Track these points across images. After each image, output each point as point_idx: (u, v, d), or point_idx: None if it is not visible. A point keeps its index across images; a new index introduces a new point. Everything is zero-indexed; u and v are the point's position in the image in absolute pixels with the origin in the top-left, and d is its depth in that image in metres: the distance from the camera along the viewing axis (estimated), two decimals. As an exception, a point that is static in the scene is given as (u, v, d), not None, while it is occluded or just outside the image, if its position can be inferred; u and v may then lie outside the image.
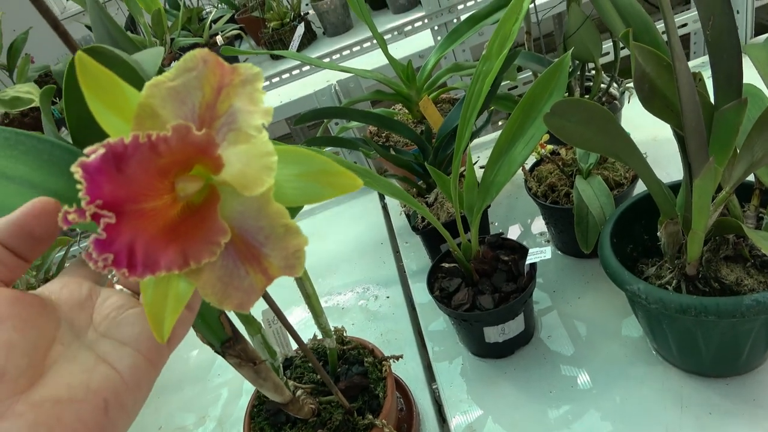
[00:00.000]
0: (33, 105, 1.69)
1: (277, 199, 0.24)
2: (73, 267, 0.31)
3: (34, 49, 1.98)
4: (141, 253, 0.23)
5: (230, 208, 0.24)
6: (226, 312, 0.47)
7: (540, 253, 0.62)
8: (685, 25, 1.19)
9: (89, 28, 2.09)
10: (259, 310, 0.56)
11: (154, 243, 0.23)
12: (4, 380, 0.23)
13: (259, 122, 0.23)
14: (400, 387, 0.68)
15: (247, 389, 0.79)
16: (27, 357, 0.25)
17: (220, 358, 0.87)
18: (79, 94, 0.38)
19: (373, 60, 1.35)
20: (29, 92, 1.74)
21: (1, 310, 0.25)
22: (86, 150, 0.21)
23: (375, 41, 1.36)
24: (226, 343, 0.48)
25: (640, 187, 0.71)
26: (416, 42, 1.37)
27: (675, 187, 0.55)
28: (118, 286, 0.31)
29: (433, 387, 0.70)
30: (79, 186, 0.21)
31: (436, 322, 0.77)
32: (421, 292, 0.83)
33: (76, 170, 0.21)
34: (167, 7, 1.97)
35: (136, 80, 0.37)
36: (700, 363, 0.56)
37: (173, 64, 0.31)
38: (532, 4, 0.85)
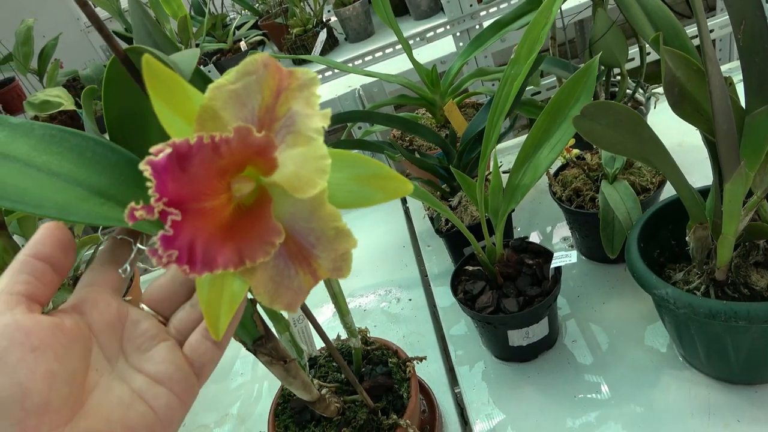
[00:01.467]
0: (62, 108, 1.72)
1: (329, 201, 0.25)
2: (95, 272, 0.31)
3: (61, 54, 2.03)
4: (200, 251, 0.24)
5: (282, 209, 0.25)
6: (258, 310, 0.48)
7: (565, 257, 0.62)
8: (711, 30, 1.18)
9: (117, 33, 2.14)
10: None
11: (212, 241, 0.24)
12: (48, 411, 0.24)
13: (318, 125, 0.23)
14: (423, 389, 0.69)
15: (267, 389, 0.80)
16: (68, 386, 0.25)
17: (240, 358, 0.89)
18: (118, 93, 0.39)
19: (394, 66, 1.36)
20: (58, 96, 1.78)
21: (42, 339, 0.25)
22: (152, 149, 0.22)
23: (396, 47, 1.37)
24: (258, 341, 0.48)
25: (666, 193, 0.71)
26: (438, 48, 1.38)
27: (703, 192, 0.54)
28: (144, 306, 0.31)
29: (456, 391, 0.70)
30: (148, 184, 0.22)
31: (458, 325, 0.77)
32: (442, 296, 0.83)
33: (145, 168, 0.22)
34: (192, 13, 2.00)
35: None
36: (728, 370, 0.55)
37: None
38: (558, 10, 0.85)
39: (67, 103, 1.72)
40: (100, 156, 0.36)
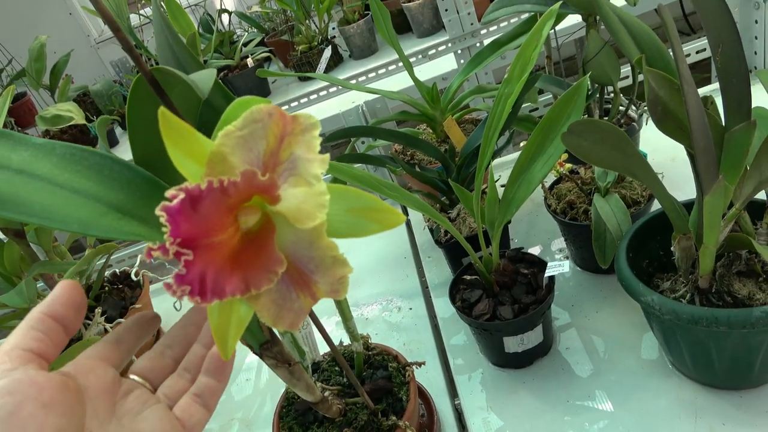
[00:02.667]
0: (72, 123, 1.76)
1: (327, 232, 0.27)
2: (98, 347, 0.33)
3: (71, 69, 2.08)
4: (210, 282, 0.26)
5: (284, 238, 0.28)
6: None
7: (558, 267, 0.64)
8: (704, 50, 1.21)
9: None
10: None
11: (221, 272, 0.27)
12: None
13: (318, 171, 0.26)
14: (422, 394, 0.71)
15: (271, 394, 0.83)
16: None
17: (245, 364, 0.91)
18: (141, 112, 0.42)
19: (397, 82, 1.40)
20: (69, 110, 1.82)
21: (53, 396, 0.27)
22: (167, 194, 0.25)
23: (399, 64, 1.41)
24: (264, 345, 0.51)
25: (656, 206, 0.74)
26: (440, 65, 1.42)
27: (689, 205, 0.57)
28: (134, 376, 0.34)
29: (456, 402, 0.72)
30: (164, 229, 0.25)
31: (457, 336, 0.80)
32: (442, 306, 0.86)
33: (161, 214, 0.25)
34: (201, 30, 2.05)
35: (196, 95, 0.42)
36: (713, 375, 0.58)
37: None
38: (552, 30, 0.89)
39: (78, 117, 1.76)
40: (116, 173, 0.38)
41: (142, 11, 2.15)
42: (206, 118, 0.43)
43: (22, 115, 2.15)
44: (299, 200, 0.26)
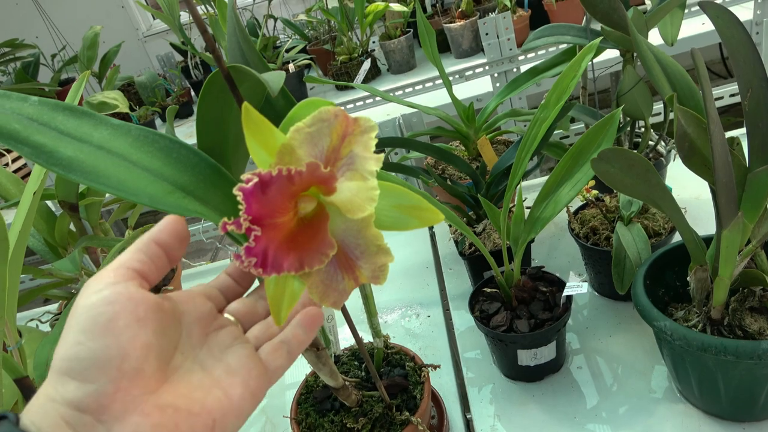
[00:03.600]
0: (117, 110, 1.83)
1: (374, 224, 0.31)
2: (202, 286, 0.36)
3: (118, 60, 2.16)
4: (271, 257, 0.30)
5: (336, 226, 0.32)
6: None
7: (577, 287, 0.67)
8: (734, 95, 1.23)
9: (173, 46, 2.28)
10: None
11: (280, 250, 0.30)
12: (140, 377, 0.27)
13: (373, 168, 0.30)
14: (435, 397, 0.74)
15: (290, 382, 0.86)
16: (159, 360, 0.28)
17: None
18: (211, 105, 0.46)
19: (433, 99, 1.45)
20: (114, 98, 1.90)
21: (147, 313, 0.28)
22: (243, 177, 0.28)
23: (436, 81, 1.46)
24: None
25: (676, 238, 0.76)
26: (475, 86, 1.46)
27: (708, 239, 0.60)
28: (228, 315, 0.36)
29: (468, 417, 0.75)
30: (240, 207, 0.28)
31: (472, 347, 0.82)
32: (460, 317, 0.89)
33: (238, 194, 0.28)
34: (246, 33, 2.13)
35: (260, 92, 0.46)
36: (719, 405, 0.60)
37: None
38: (590, 62, 0.92)
39: (122, 105, 1.84)
40: (183, 157, 0.42)
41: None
42: (264, 114, 0.48)
43: (71, 99, 2.23)
44: (352, 193, 0.30)
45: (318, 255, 0.31)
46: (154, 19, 2.85)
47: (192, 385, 0.29)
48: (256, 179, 0.29)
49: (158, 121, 2.14)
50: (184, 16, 2.20)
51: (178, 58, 2.35)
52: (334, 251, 0.31)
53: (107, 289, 0.28)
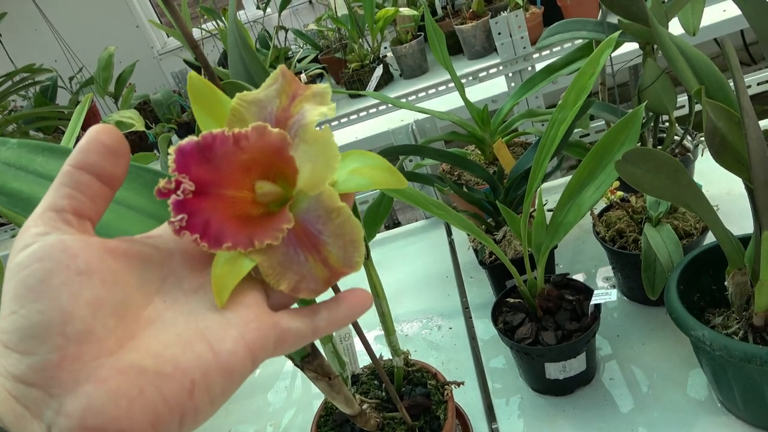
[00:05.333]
0: (133, 129, 1.84)
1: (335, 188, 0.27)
2: None
3: (134, 79, 2.18)
4: (214, 228, 0.26)
5: (298, 206, 0.27)
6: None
7: (605, 295, 0.64)
8: (766, 81, 1.18)
9: (187, 62, 2.29)
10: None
11: (228, 223, 0.27)
12: (91, 340, 0.22)
13: (323, 109, 0.26)
14: (460, 415, 0.71)
15: (308, 402, 0.84)
16: (116, 316, 0.23)
17: (283, 372, 0.93)
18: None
19: (447, 102, 1.42)
20: (130, 117, 1.91)
21: (89, 263, 0.23)
22: (185, 139, 0.26)
23: (449, 85, 1.43)
24: (306, 358, 0.52)
25: (710, 239, 0.72)
26: (489, 87, 1.42)
27: (745, 239, 0.56)
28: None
29: (494, 427, 0.72)
30: (170, 162, 0.25)
31: (497, 358, 0.79)
32: (483, 327, 0.86)
33: (171, 151, 0.25)
34: (258, 46, 2.13)
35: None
36: (765, 417, 0.55)
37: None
38: (608, 57, 0.88)
39: (138, 124, 1.84)
40: None
41: (203, 26, 2.24)
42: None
43: (87, 120, 2.26)
44: (312, 162, 0.26)
45: (271, 230, 0.26)
46: (168, 36, 2.88)
47: (168, 340, 0.24)
48: (196, 139, 0.26)
49: (175, 137, 2.15)
50: (196, 33, 2.21)
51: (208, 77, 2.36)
52: (291, 224, 0.26)
53: (35, 242, 0.23)
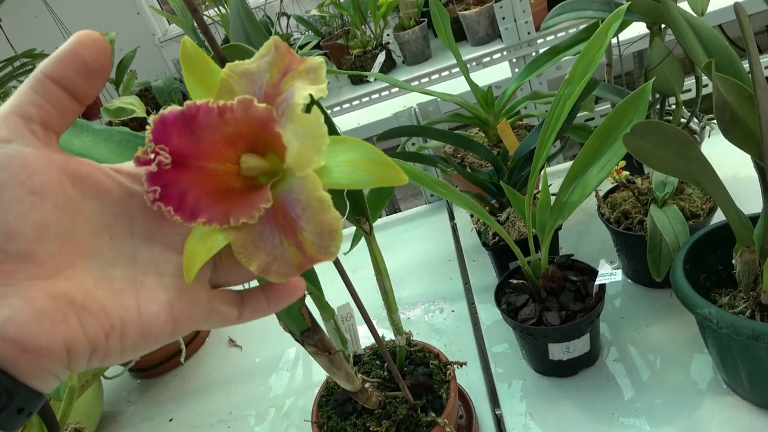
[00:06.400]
0: (134, 115, 1.83)
1: (324, 179, 0.25)
2: None
3: (135, 65, 2.17)
4: (191, 202, 0.25)
5: (281, 185, 0.26)
6: (306, 304, 0.52)
7: (610, 275, 0.63)
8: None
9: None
10: (335, 304, 0.61)
11: (205, 198, 0.26)
12: (29, 261, 0.22)
13: (307, 92, 0.25)
14: (462, 396, 0.70)
15: (310, 385, 0.83)
16: (59, 242, 0.23)
17: (285, 354, 0.92)
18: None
19: (449, 88, 1.40)
20: (131, 104, 1.91)
21: (44, 184, 0.23)
22: (168, 108, 0.25)
23: (453, 71, 1.41)
24: (306, 333, 0.52)
25: (716, 219, 0.71)
26: (493, 73, 1.41)
27: (754, 218, 0.55)
28: None
29: (497, 413, 0.71)
30: (147, 130, 0.25)
31: (500, 342, 0.78)
32: (485, 310, 0.85)
33: (151, 120, 0.25)
34: (260, 32, 2.11)
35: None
36: (772, 397, 0.55)
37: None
38: (615, 38, 0.87)
39: (139, 110, 1.84)
40: None
41: (205, 12, 2.23)
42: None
43: (88, 106, 2.25)
44: (299, 141, 0.25)
45: (248, 209, 0.26)
46: (169, 23, 2.86)
47: (103, 280, 0.24)
48: (179, 108, 0.25)
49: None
50: (198, 19, 2.19)
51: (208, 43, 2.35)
52: (268, 204, 0.25)
53: None
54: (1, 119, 0.23)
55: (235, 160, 0.27)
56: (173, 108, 0.25)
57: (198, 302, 0.27)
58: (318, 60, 0.26)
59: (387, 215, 1.28)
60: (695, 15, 0.77)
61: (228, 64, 0.27)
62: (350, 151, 0.27)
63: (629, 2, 0.59)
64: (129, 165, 0.27)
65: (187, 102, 0.26)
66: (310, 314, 0.52)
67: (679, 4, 0.74)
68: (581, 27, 0.98)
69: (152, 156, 0.25)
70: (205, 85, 0.28)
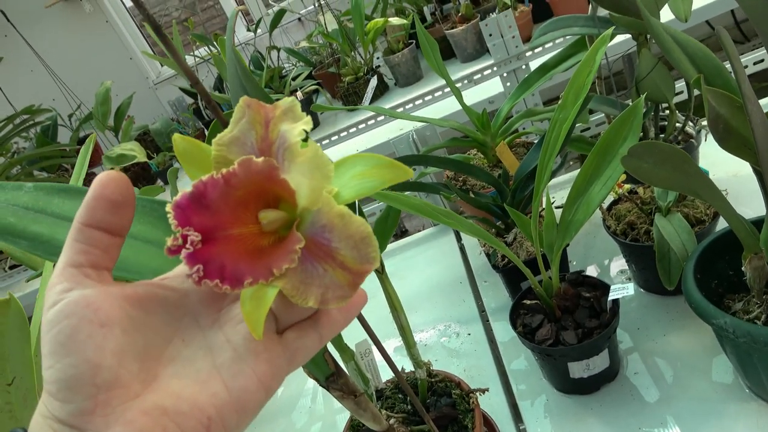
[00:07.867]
0: (136, 160, 1.85)
1: (339, 200, 0.27)
2: None
3: (131, 109, 2.20)
4: (231, 269, 0.26)
5: (303, 223, 0.28)
6: (329, 350, 0.52)
7: (622, 290, 0.63)
8: (761, 60, 1.18)
9: (182, 89, 2.31)
10: (352, 342, 0.61)
11: (243, 261, 0.27)
12: (118, 386, 0.24)
13: (300, 126, 0.26)
14: (487, 422, 0.70)
15: (332, 418, 0.84)
16: (138, 361, 0.25)
17: (304, 390, 0.93)
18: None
19: (444, 107, 1.42)
20: (132, 150, 1.92)
21: (109, 315, 0.25)
22: (178, 194, 0.26)
23: (446, 90, 1.43)
24: (330, 378, 0.52)
25: (722, 224, 0.71)
26: (485, 89, 1.42)
27: (758, 222, 0.56)
28: None
29: (521, 428, 0.71)
30: (169, 218, 0.26)
31: (518, 360, 0.79)
32: (501, 330, 0.85)
33: (168, 210, 0.26)
34: (252, 67, 2.14)
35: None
36: (796, 400, 0.55)
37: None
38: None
39: (140, 155, 1.85)
40: None
41: (196, 52, 2.26)
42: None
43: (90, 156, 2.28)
44: (307, 177, 0.26)
45: (285, 254, 0.27)
46: (161, 66, 2.90)
47: (187, 378, 0.26)
48: (189, 190, 0.26)
49: (177, 163, 2.16)
50: (190, 60, 2.23)
51: (189, 100, 2.38)
52: (302, 243, 0.26)
53: (60, 299, 0.25)
54: (59, 274, 0.26)
55: (254, 220, 0.28)
56: (183, 191, 0.27)
57: (276, 355, 0.28)
58: (288, 100, 0.28)
59: (394, 238, 1.29)
60: (680, 22, 0.79)
61: (213, 140, 0.28)
62: (354, 166, 0.28)
63: (614, 26, 0.60)
64: (173, 272, 0.29)
65: (193, 182, 0.27)
66: (333, 359, 0.52)
67: (661, 11, 0.76)
68: (568, 39, 0.99)
69: (181, 240, 0.26)
70: (206, 169, 0.29)
